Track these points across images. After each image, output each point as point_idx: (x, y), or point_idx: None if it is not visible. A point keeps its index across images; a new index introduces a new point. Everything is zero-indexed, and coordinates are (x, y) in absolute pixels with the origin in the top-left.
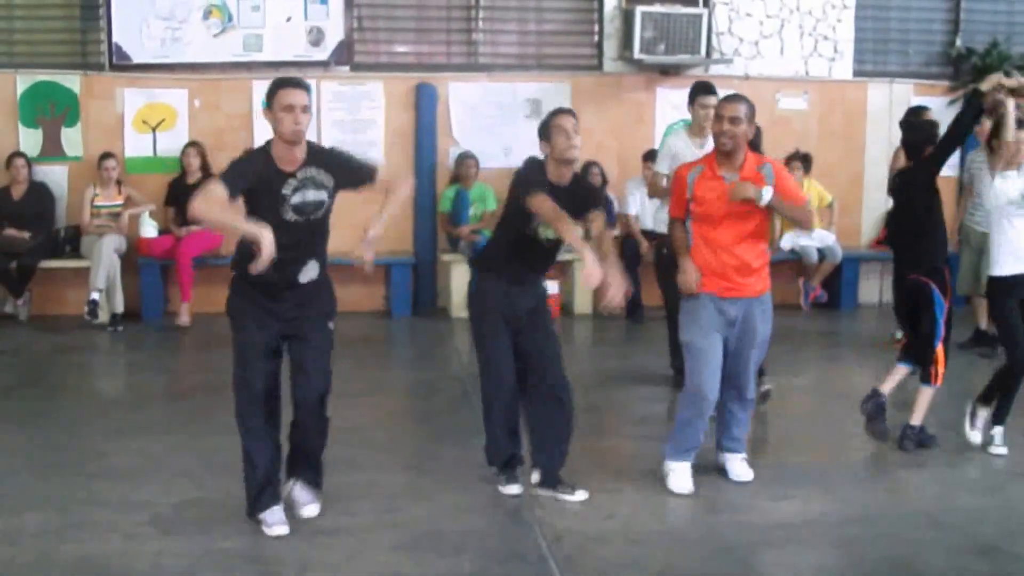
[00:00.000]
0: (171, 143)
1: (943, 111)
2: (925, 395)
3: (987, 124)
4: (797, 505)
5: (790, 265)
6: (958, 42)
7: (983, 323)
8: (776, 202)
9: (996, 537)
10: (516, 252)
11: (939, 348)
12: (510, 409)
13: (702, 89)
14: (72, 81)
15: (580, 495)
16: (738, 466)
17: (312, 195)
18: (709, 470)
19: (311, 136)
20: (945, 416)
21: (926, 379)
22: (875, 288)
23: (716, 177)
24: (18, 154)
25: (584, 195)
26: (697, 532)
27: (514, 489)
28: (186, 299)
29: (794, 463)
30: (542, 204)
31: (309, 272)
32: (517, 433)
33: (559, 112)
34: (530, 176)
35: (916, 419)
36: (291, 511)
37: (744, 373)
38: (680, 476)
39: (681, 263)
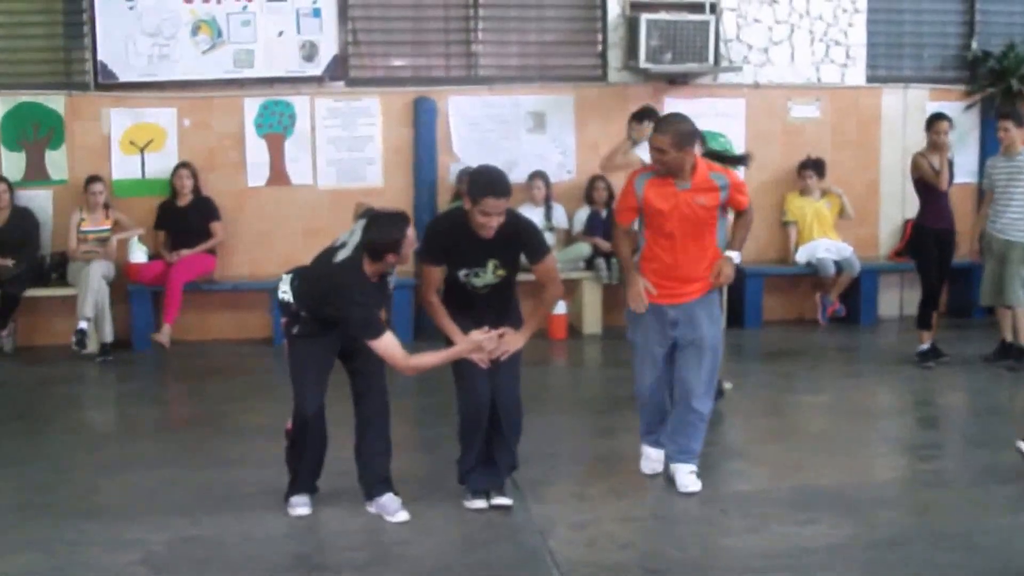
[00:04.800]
0: (160, 164)
1: (960, 116)
2: None
3: (1011, 129)
4: (823, 529)
5: (807, 279)
6: (974, 45)
7: (1008, 335)
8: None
9: None
10: (459, 298)
11: None
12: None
13: (647, 115)
14: (56, 102)
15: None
16: (684, 477)
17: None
18: (725, 497)
19: (307, 152)
20: (971, 433)
21: None
22: (895, 301)
23: (667, 184)
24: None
25: (509, 241)
26: (720, 560)
27: (480, 504)
28: (168, 320)
29: (818, 485)
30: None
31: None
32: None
33: (485, 192)
34: (426, 242)
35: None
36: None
37: (691, 379)
38: (647, 458)
39: (627, 277)
